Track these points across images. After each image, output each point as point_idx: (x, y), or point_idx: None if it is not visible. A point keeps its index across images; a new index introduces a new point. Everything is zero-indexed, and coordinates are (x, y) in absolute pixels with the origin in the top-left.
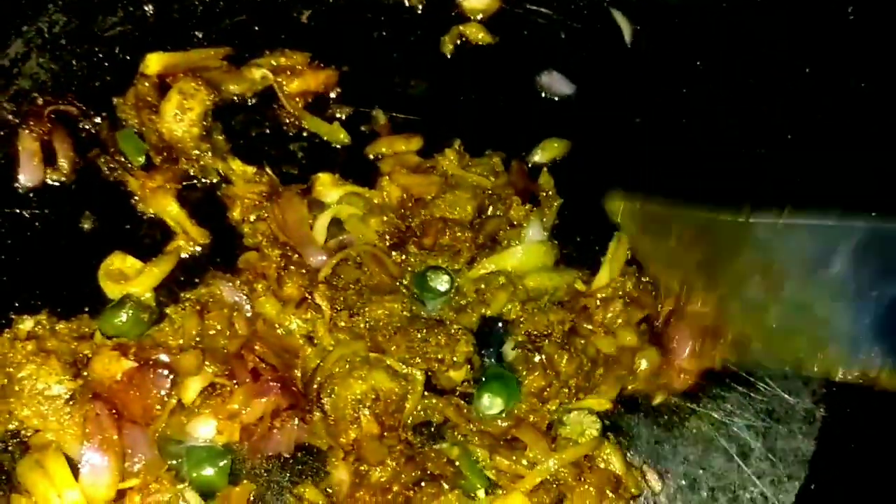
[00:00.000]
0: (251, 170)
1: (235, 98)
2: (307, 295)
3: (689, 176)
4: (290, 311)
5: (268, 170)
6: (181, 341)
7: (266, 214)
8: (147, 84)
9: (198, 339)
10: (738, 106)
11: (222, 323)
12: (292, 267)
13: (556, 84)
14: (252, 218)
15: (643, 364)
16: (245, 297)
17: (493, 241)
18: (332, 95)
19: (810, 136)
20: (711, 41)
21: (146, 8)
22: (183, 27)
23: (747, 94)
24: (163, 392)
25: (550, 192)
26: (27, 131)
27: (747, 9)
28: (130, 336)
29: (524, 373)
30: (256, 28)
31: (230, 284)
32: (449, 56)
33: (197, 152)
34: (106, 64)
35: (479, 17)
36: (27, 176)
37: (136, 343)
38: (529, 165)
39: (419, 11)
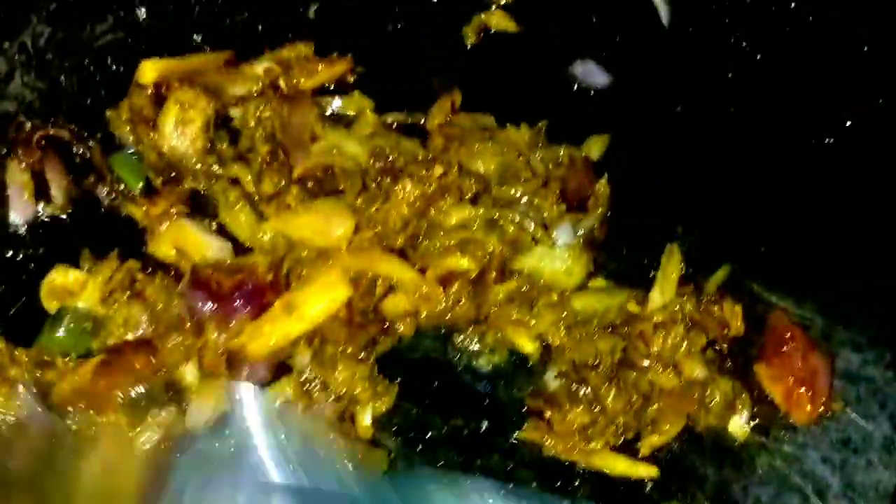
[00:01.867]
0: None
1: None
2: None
3: (744, 173)
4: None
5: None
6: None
7: (269, 111)
8: (143, 95)
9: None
10: (790, 89)
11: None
12: (275, 164)
13: (590, 74)
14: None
15: (716, 397)
16: None
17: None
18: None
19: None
20: (758, 17)
21: (138, 12)
22: (179, 30)
23: (801, 76)
24: None
25: (601, 200)
26: (15, 162)
27: None
28: (77, 351)
29: (567, 407)
30: (260, 27)
31: None
32: (470, 48)
33: (202, 167)
34: (97, 77)
35: (502, 2)
36: (18, 212)
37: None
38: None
39: (435, 1)
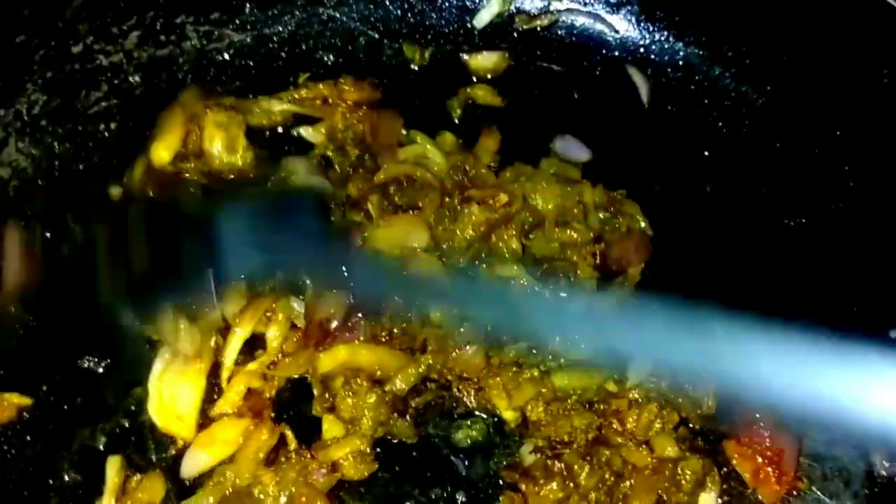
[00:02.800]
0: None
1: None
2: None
3: (717, 246)
4: None
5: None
6: None
7: (360, 120)
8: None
9: None
10: (763, 171)
11: None
12: (361, 170)
13: (571, 149)
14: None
15: (687, 475)
16: None
17: None
18: None
19: (842, 205)
20: (734, 101)
21: (132, 79)
22: (173, 96)
23: (774, 159)
24: None
25: (630, 282)
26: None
27: (771, 67)
28: None
29: (542, 481)
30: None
31: None
32: (457, 120)
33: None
34: (90, 144)
35: (488, 76)
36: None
37: None
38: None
39: (423, 71)
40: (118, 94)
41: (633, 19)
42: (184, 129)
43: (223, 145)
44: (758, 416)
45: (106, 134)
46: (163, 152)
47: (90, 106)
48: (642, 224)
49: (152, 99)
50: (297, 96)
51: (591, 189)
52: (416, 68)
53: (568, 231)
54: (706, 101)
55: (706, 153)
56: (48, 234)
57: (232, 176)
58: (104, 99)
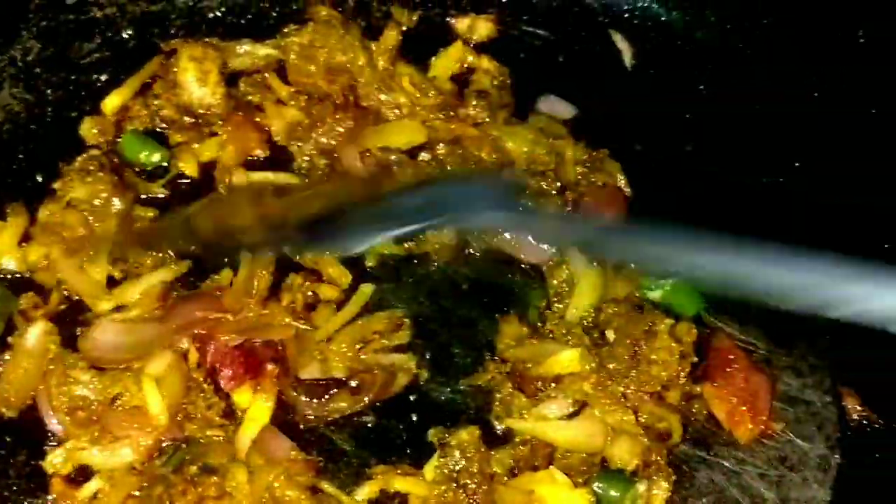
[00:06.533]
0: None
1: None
2: None
3: (694, 204)
4: None
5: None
6: None
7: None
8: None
9: None
10: (742, 132)
11: None
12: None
13: (555, 107)
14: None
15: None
16: None
17: None
18: None
19: (820, 164)
20: (715, 64)
21: (124, 33)
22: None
23: (753, 120)
24: None
25: None
26: None
27: (752, 30)
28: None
29: None
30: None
31: None
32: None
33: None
34: (83, 93)
35: (475, 40)
36: None
37: None
38: None
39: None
40: (110, 47)
41: None
42: (146, 76)
43: (195, 77)
44: (732, 357)
45: (98, 84)
46: (114, 98)
47: (83, 56)
48: (621, 182)
49: (144, 53)
50: (282, 43)
51: (573, 144)
52: (405, 29)
53: (539, 180)
54: (688, 64)
55: (687, 115)
56: None
57: (202, 111)
58: (97, 50)
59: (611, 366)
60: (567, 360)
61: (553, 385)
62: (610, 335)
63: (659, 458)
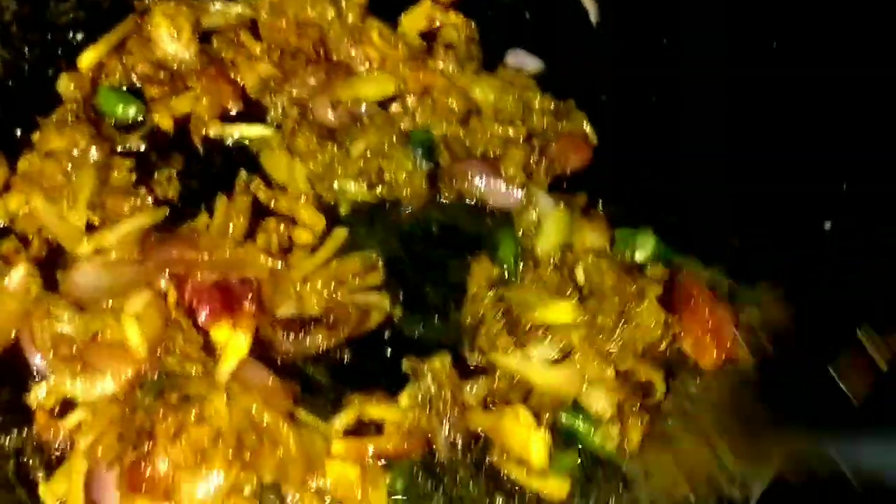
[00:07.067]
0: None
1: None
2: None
3: (659, 153)
4: None
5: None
6: None
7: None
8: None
9: None
10: (704, 83)
11: None
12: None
13: (523, 61)
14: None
15: None
16: None
17: None
18: None
19: (784, 125)
20: (679, 19)
21: None
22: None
23: (717, 76)
24: None
25: None
26: None
27: None
28: None
29: None
30: None
31: None
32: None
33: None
34: (59, 51)
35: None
36: None
37: None
38: None
39: None
40: (86, 8)
41: None
42: (122, 34)
43: (168, 33)
44: (696, 292)
45: (74, 43)
46: (90, 54)
47: (59, 16)
48: (587, 129)
49: (119, 12)
50: (253, 2)
51: (540, 95)
52: None
53: (507, 129)
54: (650, 20)
55: (651, 68)
56: None
57: (176, 66)
58: (72, 10)
59: (599, 320)
60: (561, 310)
61: (544, 331)
62: (580, 276)
63: (635, 408)
